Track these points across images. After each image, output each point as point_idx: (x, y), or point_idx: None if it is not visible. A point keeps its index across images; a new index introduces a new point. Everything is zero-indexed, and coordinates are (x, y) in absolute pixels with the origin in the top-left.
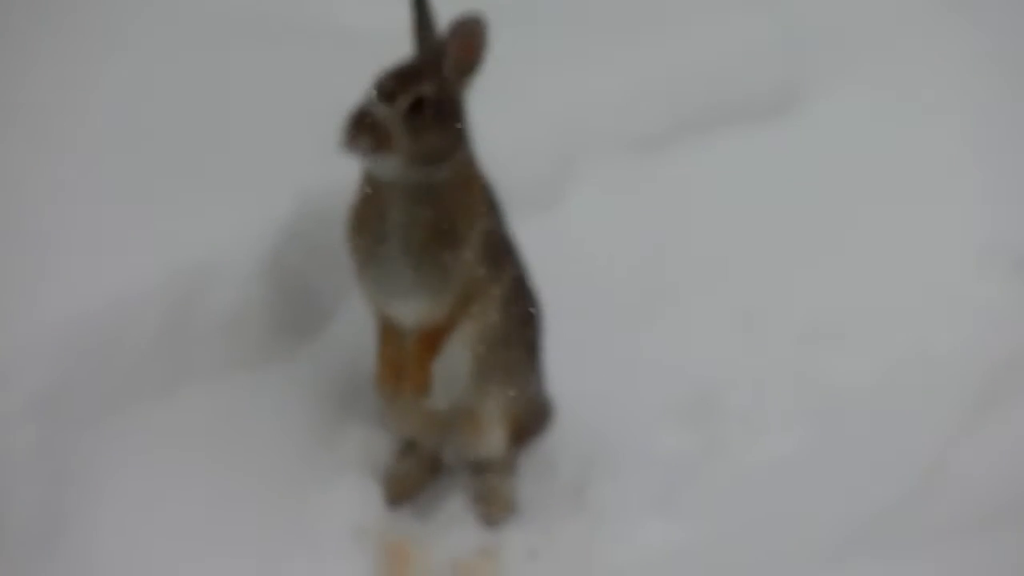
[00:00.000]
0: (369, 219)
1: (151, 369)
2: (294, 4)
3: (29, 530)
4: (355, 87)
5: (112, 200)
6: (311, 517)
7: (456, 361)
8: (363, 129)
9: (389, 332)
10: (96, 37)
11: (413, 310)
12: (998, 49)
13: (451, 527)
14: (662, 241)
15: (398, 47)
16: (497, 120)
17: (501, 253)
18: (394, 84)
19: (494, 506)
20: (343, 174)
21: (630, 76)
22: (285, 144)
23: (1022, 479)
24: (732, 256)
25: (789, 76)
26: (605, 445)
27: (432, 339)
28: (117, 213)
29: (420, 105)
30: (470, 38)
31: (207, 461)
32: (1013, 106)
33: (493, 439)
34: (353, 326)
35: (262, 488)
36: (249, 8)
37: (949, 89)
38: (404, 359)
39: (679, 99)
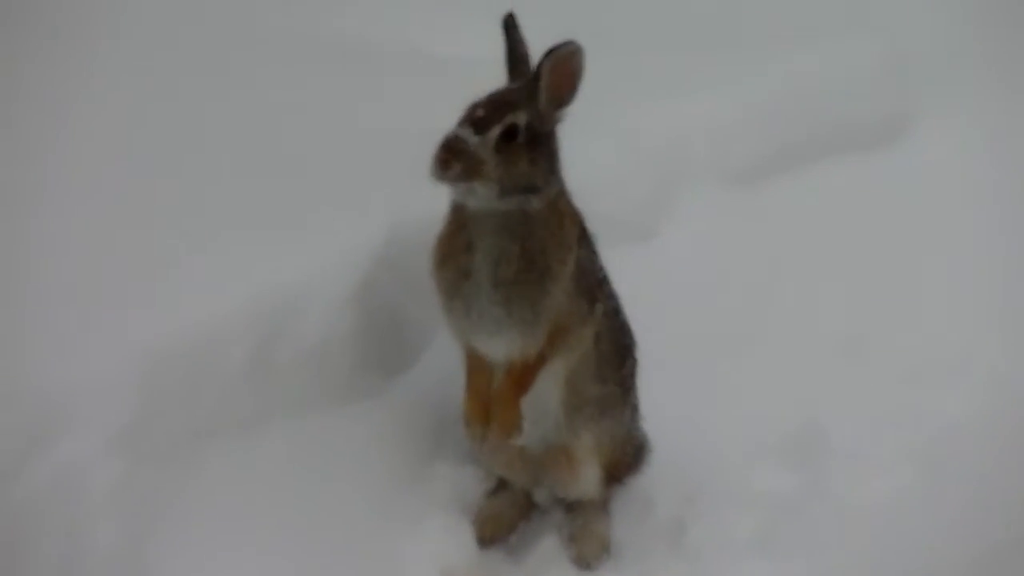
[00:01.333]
0: (456, 252)
1: (236, 403)
2: (391, 33)
3: (111, 569)
4: (448, 115)
5: (200, 227)
6: (400, 557)
7: (546, 398)
8: (454, 156)
9: (477, 368)
10: (203, 61)
11: (502, 346)
12: None
13: (544, 568)
14: (763, 272)
15: (491, 75)
16: (594, 149)
17: (593, 287)
18: (487, 112)
19: (588, 547)
20: (435, 203)
21: (731, 104)
22: (377, 172)
23: None
24: (835, 288)
25: (894, 104)
26: (704, 483)
27: (522, 376)
28: (204, 241)
29: (512, 134)
30: (565, 66)
31: (293, 498)
32: None
33: (587, 477)
34: (443, 360)
35: (349, 526)
36: (348, 36)
37: None
38: (492, 396)
39: (780, 128)
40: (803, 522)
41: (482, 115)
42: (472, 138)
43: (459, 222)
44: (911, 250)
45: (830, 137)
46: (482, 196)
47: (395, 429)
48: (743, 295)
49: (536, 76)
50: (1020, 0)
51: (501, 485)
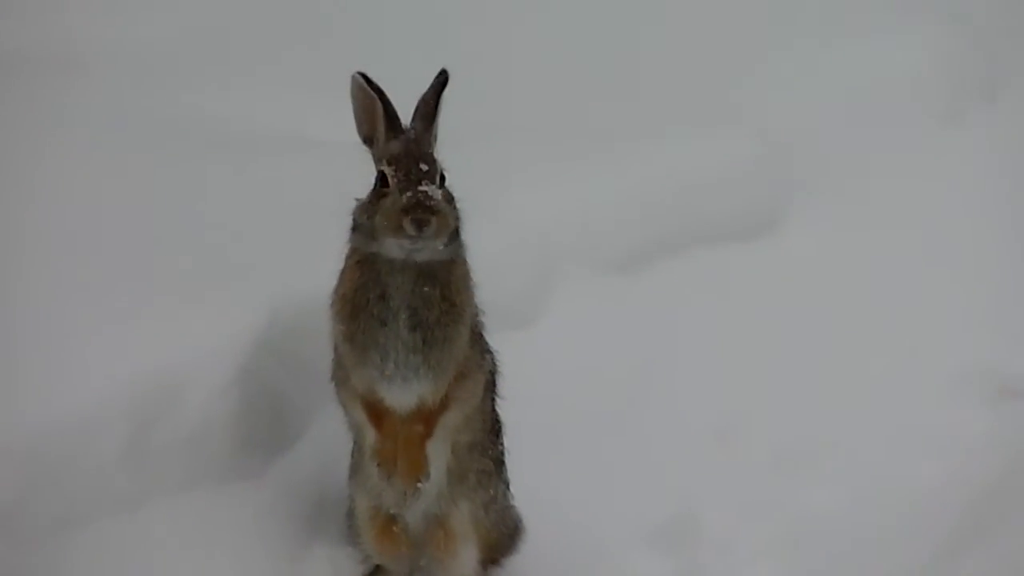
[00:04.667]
0: (369, 303)
1: (114, 483)
2: (265, 119)
3: None
4: (324, 199)
5: (79, 307)
6: None
7: (437, 456)
8: (432, 213)
9: (383, 414)
10: (76, 145)
11: (414, 391)
12: (984, 168)
13: None
14: (637, 360)
15: (365, 158)
16: (473, 236)
17: (483, 337)
18: (427, 164)
19: None
20: (315, 286)
21: (607, 194)
22: (258, 254)
23: None
24: (708, 376)
25: (768, 193)
26: (579, 568)
27: (427, 421)
28: (84, 321)
29: (444, 180)
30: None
31: None
32: (994, 228)
33: (465, 555)
34: (322, 443)
35: None
36: (223, 122)
37: (930, 209)
38: (399, 442)
39: (655, 218)
40: None
41: (427, 169)
42: (436, 192)
43: (369, 274)
44: (781, 338)
45: (703, 227)
46: (436, 247)
47: (274, 510)
48: (618, 382)
49: (433, 115)
50: (889, 101)
51: (379, 568)
